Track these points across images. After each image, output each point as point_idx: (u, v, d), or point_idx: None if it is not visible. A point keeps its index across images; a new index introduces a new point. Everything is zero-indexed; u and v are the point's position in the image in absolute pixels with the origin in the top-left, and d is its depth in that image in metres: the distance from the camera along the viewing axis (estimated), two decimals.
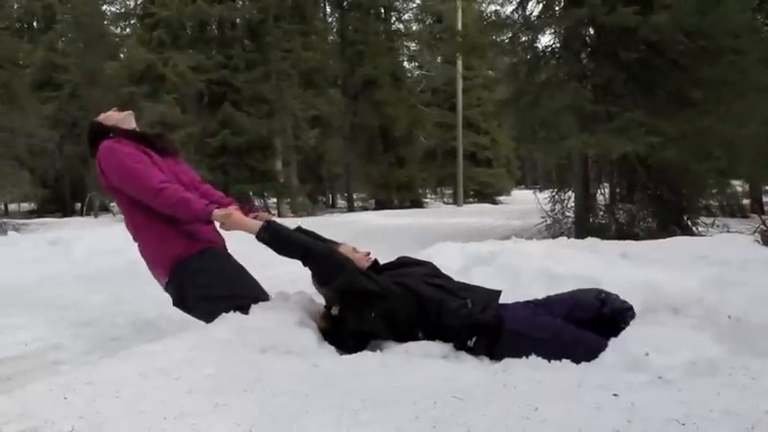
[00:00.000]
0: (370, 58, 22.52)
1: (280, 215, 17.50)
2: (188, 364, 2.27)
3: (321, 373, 2.30)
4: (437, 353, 2.66)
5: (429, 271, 3.05)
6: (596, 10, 8.36)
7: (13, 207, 21.84)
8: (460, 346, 2.71)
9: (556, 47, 10.15)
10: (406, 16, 26.86)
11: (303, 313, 2.91)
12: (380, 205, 23.31)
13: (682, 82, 8.53)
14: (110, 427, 1.75)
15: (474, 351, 2.68)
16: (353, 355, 2.60)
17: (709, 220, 9.42)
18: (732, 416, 1.74)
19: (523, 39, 10.17)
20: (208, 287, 3.11)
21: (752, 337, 2.65)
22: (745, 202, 14.09)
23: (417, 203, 24.74)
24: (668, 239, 5.84)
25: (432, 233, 10.25)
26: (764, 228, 5.41)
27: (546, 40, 10.77)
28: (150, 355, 2.37)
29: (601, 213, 9.96)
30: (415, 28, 27.86)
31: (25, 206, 22.34)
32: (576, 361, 2.45)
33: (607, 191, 10.33)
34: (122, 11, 22.31)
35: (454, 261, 4.33)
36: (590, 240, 5.75)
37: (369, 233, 11.07)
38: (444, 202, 28.17)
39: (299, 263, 2.95)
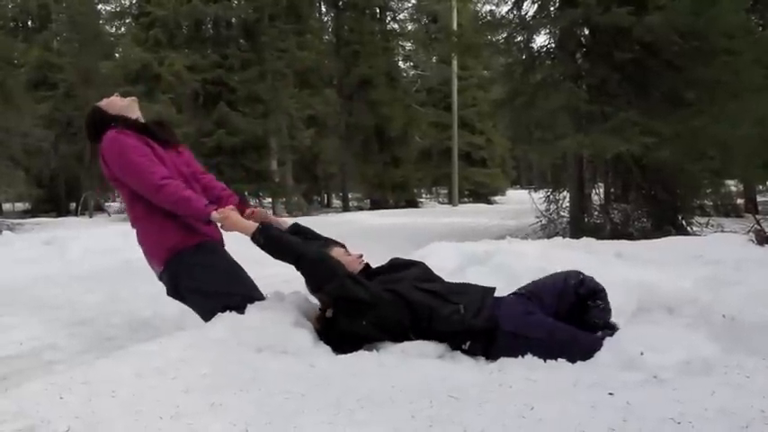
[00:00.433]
0: (366, 58, 22.52)
1: (275, 215, 17.45)
2: (184, 364, 2.27)
3: (317, 373, 2.31)
4: (433, 353, 2.67)
5: (421, 273, 3.04)
6: (591, 10, 8.38)
7: (7, 207, 21.78)
8: (455, 347, 2.72)
9: (551, 47, 10.17)
10: (401, 16, 26.90)
11: (299, 313, 2.92)
12: (376, 205, 23.32)
13: (676, 82, 8.56)
14: (106, 427, 1.74)
15: (469, 353, 2.69)
16: (349, 354, 2.60)
17: (703, 220, 9.45)
18: (727, 414, 1.75)
19: (519, 39, 10.19)
20: (201, 281, 3.12)
21: (746, 336, 2.66)
22: (740, 201, 14.13)
23: (412, 203, 24.75)
24: (663, 239, 5.85)
25: (427, 233, 10.25)
26: (758, 227, 5.42)
27: (541, 40, 10.78)
28: (146, 355, 2.37)
29: (596, 213, 9.98)
30: (410, 28, 27.86)
31: (20, 206, 22.29)
32: (572, 359, 2.46)
33: (602, 191, 10.34)
34: (118, 10, 22.27)
35: (449, 261, 4.34)
36: (585, 240, 5.76)
37: (364, 233, 11.07)
38: (439, 202, 28.19)
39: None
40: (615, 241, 6.09)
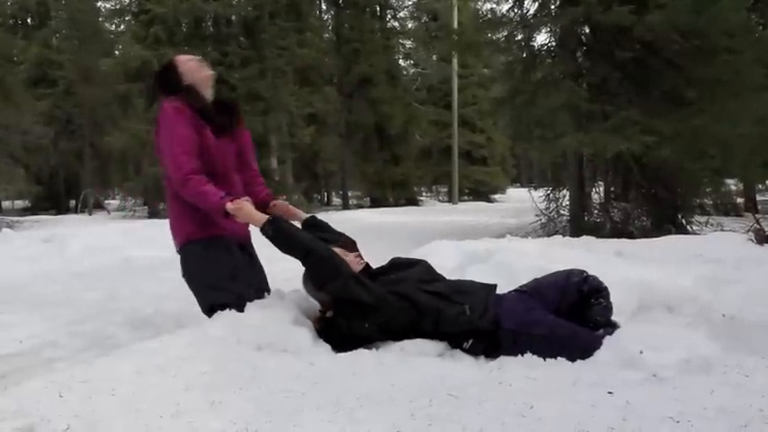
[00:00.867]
0: (366, 56, 22.51)
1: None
2: (184, 362, 2.27)
3: (317, 372, 2.31)
4: (432, 351, 2.67)
5: (424, 272, 3.02)
6: (592, 9, 8.38)
7: (7, 204, 21.79)
8: (456, 345, 2.72)
9: (551, 45, 10.16)
10: (401, 14, 26.90)
11: (298, 311, 2.92)
12: (376, 203, 23.32)
13: (676, 81, 8.55)
14: (106, 425, 1.74)
15: (469, 352, 2.70)
16: (349, 353, 2.60)
17: (703, 219, 9.45)
18: (726, 413, 1.76)
19: (519, 37, 10.19)
20: (202, 272, 3.17)
21: (746, 335, 2.66)
22: (739, 200, 14.14)
23: (412, 201, 24.76)
24: (663, 238, 5.85)
25: (427, 231, 10.26)
26: (758, 226, 5.42)
27: (542, 38, 10.87)
28: (147, 353, 2.37)
29: (595, 212, 9.97)
30: (410, 26, 27.86)
31: (19, 203, 22.29)
32: (572, 356, 2.46)
33: (602, 189, 10.34)
34: (117, 7, 22.17)
35: (450, 259, 4.34)
36: (585, 239, 5.77)
37: (364, 231, 11.04)
38: (439, 200, 28.17)
39: (294, 262, 2.94)
40: (615, 240, 6.10)
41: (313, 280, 2.92)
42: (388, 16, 25.86)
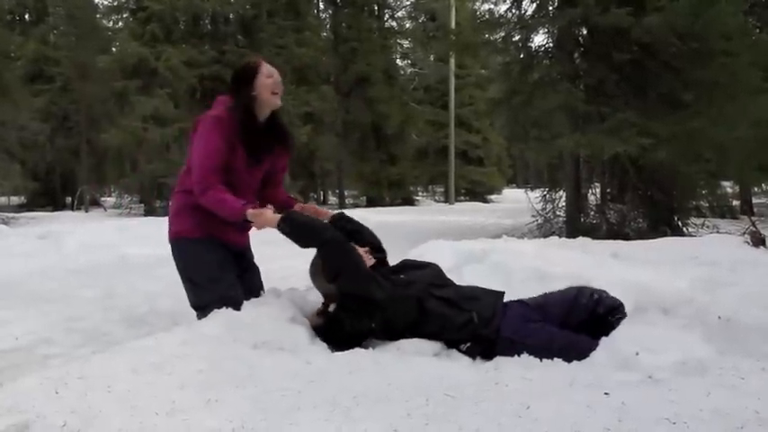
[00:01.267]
0: (363, 56, 22.52)
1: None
2: (180, 360, 2.27)
3: (313, 370, 2.30)
4: (429, 351, 2.67)
5: (435, 276, 3.00)
6: (590, 10, 8.39)
7: (2, 200, 21.74)
8: (453, 346, 2.72)
9: (549, 46, 10.17)
10: (399, 14, 26.92)
11: (295, 310, 2.92)
12: (372, 202, 23.33)
13: (674, 83, 8.57)
14: (102, 422, 1.74)
15: (466, 353, 2.70)
16: (346, 352, 2.59)
17: (699, 221, 9.48)
18: (722, 415, 1.76)
19: (517, 38, 10.19)
20: (187, 267, 3.20)
21: (741, 338, 2.67)
22: (735, 203, 14.17)
23: (409, 201, 24.78)
24: (659, 240, 5.86)
25: (423, 231, 10.26)
26: (754, 229, 5.44)
27: (539, 39, 10.80)
28: (142, 350, 2.37)
29: (592, 213, 9.99)
30: (408, 26, 27.89)
31: (15, 200, 22.24)
32: (568, 359, 2.46)
33: (598, 191, 10.36)
34: (115, 4, 22.11)
35: (446, 259, 4.32)
36: (581, 240, 5.76)
37: None
38: (435, 200, 28.18)
39: (291, 260, 2.94)
40: (611, 241, 6.11)
41: (327, 271, 2.89)
42: (386, 16, 25.88)
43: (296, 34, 19.66)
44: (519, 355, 2.56)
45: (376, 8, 25.13)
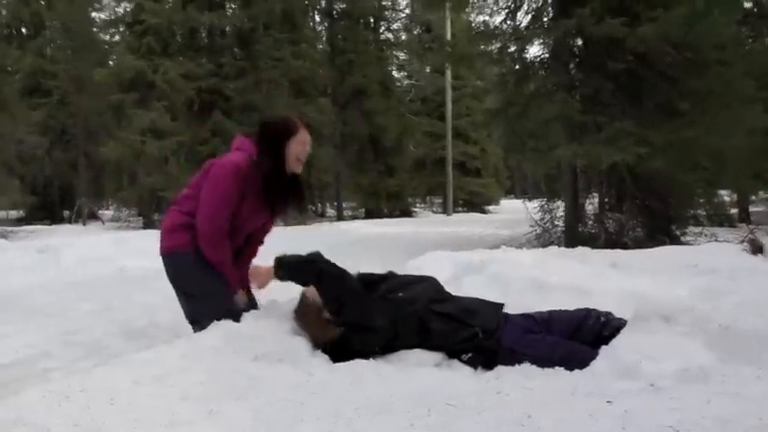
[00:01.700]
0: (360, 67, 22.57)
1: None
2: (180, 372, 2.26)
3: (315, 382, 2.30)
4: (430, 361, 2.67)
5: (433, 292, 2.99)
6: (584, 21, 8.44)
7: (1, 214, 21.69)
8: (453, 356, 2.72)
9: (544, 57, 10.24)
10: (395, 26, 26.95)
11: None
12: (370, 214, 23.32)
13: (669, 93, 8.62)
14: None
15: (467, 363, 2.70)
16: (347, 363, 2.59)
17: (697, 230, 9.50)
18: (724, 423, 1.76)
19: (512, 49, 10.24)
20: (186, 280, 3.19)
21: (742, 345, 2.67)
22: (733, 211, 14.21)
23: (407, 212, 24.78)
24: (658, 249, 5.87)
25: (421, 242, 10.27)
26: (752, 237, 5.46)
27: (534, 50, 10.91)
28: (143, 363, 2.36)
29: (590, 223, 10.01)
30: (404, 37, 27.94)
31: (14, 213, 22.19)
32: (569, 368, 2.47)
33: (596, 200, 10.39)
34: (111, 18, 22.17)
35: (444, 270, 4.33)
36: (580, 249, 5.77)
37: (359, 242, 11.09)
38: (433, 212, 28.21)
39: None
40: (610, 251, 6.11)
41: (328, 304, 2.82)
42: (382, 28, 25.95)
43: (292, 47, 19.70)
44: (520, 365, 2.56)
45: (372, 20, 25.21)
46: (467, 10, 13.24)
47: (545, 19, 10.04)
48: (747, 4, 13.62)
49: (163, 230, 3.27)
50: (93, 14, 23.73)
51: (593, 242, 8.46)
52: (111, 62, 20.83)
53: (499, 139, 22.16)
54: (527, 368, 2.51)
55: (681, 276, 4.09)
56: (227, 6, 20.29)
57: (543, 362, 2.55)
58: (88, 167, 21.24)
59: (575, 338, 2.76)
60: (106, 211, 23.85)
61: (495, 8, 11.11)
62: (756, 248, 5.04)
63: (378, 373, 2.43)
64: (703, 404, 1.90)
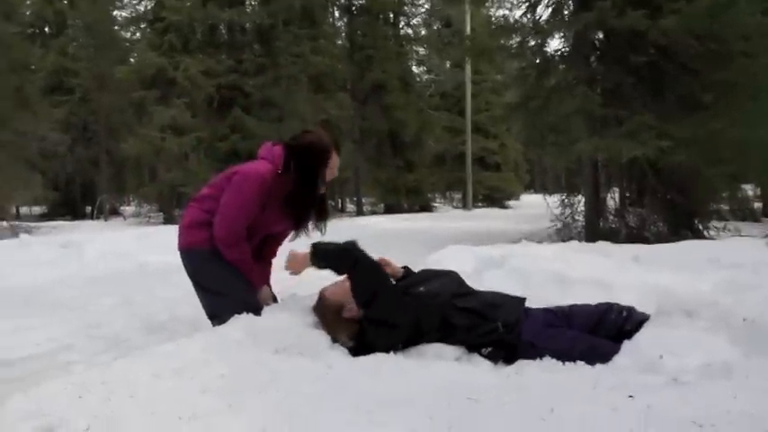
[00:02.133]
0: (379, 63, 22.53)
1: None
2: (201, 365, 2.27)
3: (335, 375, 2.30)
4: (450, 355, 2.66)
5: (456, 286, 2.99)
6: (605, 14, 8.34)
7: (24, 210, 21.98)
8: (474, 350, 2.71)
9: (565, 51, 10.14)
10: (414, 21, 26.85)
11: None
12: (389, 209, 23.30)
13: (692, 85, 8.51)
14: (124, 426, 1.75)
15: (488, 357, 2.68)
16: (367, 356, 2.59)
17: (720, 224, 9.37)
18: (750, 417, 1.73)
19: (532, 43, 10.18)
20: (207, 275, 3.21)
21: (766, 340, 2.63)
22: (757, 206, 14.01)
23: (426, 208, 24.71)
24: (680, 243, 5.80)
25: (442, 237, 10.25)
26: None
27: (555, 44, 10.84)
28: (164, 356, 2.37)
29: (611, 217, 9.93)
30: (423, 32, 27.81)
31: (36, 209, 22.48)
32: (591, 363, 2.44)
33: (617, 195, 10.30)
34: (133, 15, 22.35)
35: (466, 264, 4.32)
36: (601, 244, 5.73)
37: (379, 237, 11.07)
38: (453, 207, 28.09)
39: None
40: (632, 245, 6.06)
41: (359, 296, 2.79)
42: (402, 23, 25.87)
43: (312, 42, 19.70)
44: (541, 359, 2.54)
45: (391, 15, 25.14)
46: (486, 4, 13.19)
47: (565, 12, 9.95)
48: None
49: (182, 226, 3.30)
50: (115, 12, 23.99)
51: (614, 237, 8.39)
52: (132, 59, 20.99)
53: (519, 134, 22.03)
54: (548, 362, 2.49)
55: (703, 271, 4.03)
56: (247, 3, 20.33)
57: (564, 356, 2.53)
58: (109, 164, 21.45)
59: (595, 333, 2.73)
60: (127, 207, 24.10)
61: (515, 2, 11.07)
62: None
63: (398, 367, 2.43)
64: (728, 399, 1.87)
